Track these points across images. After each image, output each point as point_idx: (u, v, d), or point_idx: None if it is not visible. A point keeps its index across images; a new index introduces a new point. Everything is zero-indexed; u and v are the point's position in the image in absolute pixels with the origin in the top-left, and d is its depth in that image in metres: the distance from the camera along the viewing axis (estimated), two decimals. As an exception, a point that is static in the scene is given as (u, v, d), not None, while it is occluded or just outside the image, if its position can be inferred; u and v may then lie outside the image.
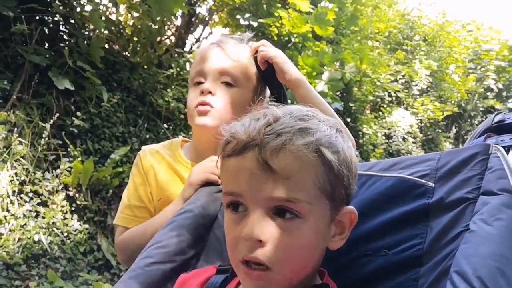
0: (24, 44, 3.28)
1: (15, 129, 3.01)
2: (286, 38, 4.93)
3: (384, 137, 7.38)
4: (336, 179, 0.56)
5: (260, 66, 1.04)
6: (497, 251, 0.52)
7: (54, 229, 2.97)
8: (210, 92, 1.00)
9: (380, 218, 0.66)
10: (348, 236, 0.60)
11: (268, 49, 1.04)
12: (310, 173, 0.54)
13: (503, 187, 0.58)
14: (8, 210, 2.82)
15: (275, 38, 4.79)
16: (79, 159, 3.25)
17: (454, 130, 9.34)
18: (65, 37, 3.55)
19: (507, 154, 0.67)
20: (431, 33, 9.54)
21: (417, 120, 8.28)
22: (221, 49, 1.04)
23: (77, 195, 3.22)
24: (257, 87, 1.07)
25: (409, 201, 0.65)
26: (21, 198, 2.93)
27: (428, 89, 8.81)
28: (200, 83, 1.03)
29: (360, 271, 0.64)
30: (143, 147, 1.11)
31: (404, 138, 7.72)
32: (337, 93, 5.59)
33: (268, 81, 1.06)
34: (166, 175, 1.05)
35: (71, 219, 3.11)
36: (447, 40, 9.49)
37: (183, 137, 1.20)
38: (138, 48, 4.24)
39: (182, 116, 4.13)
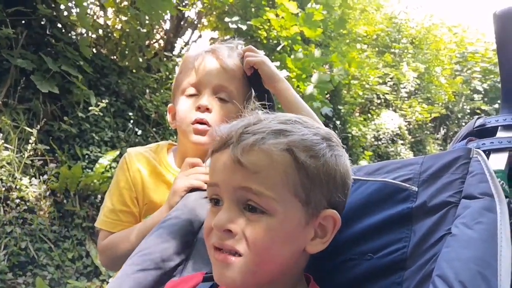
0: (9, 48, 3.24)
1: (1, 134, 2.97)
2: (275, 42, 4.95)
3: (373, 139, 7.45)
4: (311, 183, 0.57)
5: (246, 72, 1.04)
6: (478, 255, 0.52)
7: (41, 235, 2.93)
8: (207, 109, 0.99)
9: (365, 222, 0.66)
10: (330, 240, 0.60)
11: (254, 55, 1.04)
12: (279, 172, 0.56)
13: (483, 191, 0.59)
14: (-7, 217, 2.77)
15: (264, 41, 4.81)
16: (67, 164, 3.21)
17: (442, 131, 9.46)
18: (51, 41, 3.52)
19: (488, 157, 0.68)
20: (418, 36, 9.66)
21: (406, 122, 8.37)
22: (217, 61, 1.02)
23: (64, 201, 3.18)
24: (247, 99, 1.07)
25: (393, 205, 0.66)
26: (7, 205, 2.88)
27: (416, 91, 8.91)
28: (193, 95, 1.02)
29: (345, 275, 0.64)
30: (129, 149, 1.09)
31: (393, 140, 7.79)
32: (326, 96, 5.62)
33: (254, 87, 1.07)
34: (152, 180, 1.04)
35: (59, 225, 3.07)
36: (434, 43, 9.62)
37: (173, 141, 1.18)
38: (126, 52, 4.22)
39: (171, 120, 4.09)
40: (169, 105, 1.11)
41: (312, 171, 0.57)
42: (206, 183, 0.89)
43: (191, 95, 1.02)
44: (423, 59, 9.05)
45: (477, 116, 0.80)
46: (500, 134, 0.76)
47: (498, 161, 0.72)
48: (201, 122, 0.99)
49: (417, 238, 0.61)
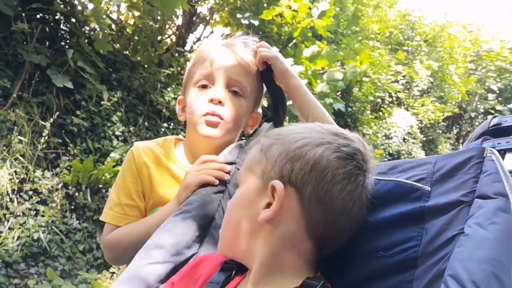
0: (24, 43, 3.28)
1: (15, 127, 3.02)
2: (287, 37, 4.92)
3: (384, 138, 7.38)
4: (266, 158, 0.67)
5: (259, 66, 1.04)
6: (492, 255, 0.52)
7: (53, 227, 2.98)
8: (219, 102, 0.99)
9: (376, 221, 0.66)
10: (276, 208, 0.62)
11: (268, 50, 1.04)
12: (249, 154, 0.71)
13: (498, 191, 0.59)
14: (7, 208, 2.82)
15: (276, 37, 4.79)
16: (79, 157, 3.25)
17: (454, 131, 9.33)
18: (65, 36, 3.55)
19: (503, 157, 0.67)
20: (432, 34, 9.53)
21: (417, 121, 8.28)
22: (233, 55, 1.02)
23: (76, 194, 3.22)
24: (258, 97, 1.07)
25: (406, 204, 0.65)
26: (20, 196, 2.93)
27: (429, 89, 8.80)
28: (205, 86, 1.01)
29: (355, 273, 0.64)
30: (136, 143, 1.09)
31: (404, 139, 7.71)
32: (338, 94, 5.58)
33: (266, 82, 1.06)
34: (159, 174, 1.04)
35: (71, 217, 3.11)
36: (448, 41, 9.48)
37: (183, 137, 1.17)
38: (138, 47, 4.24)
39: (182, 116, 4.11)
40: (179, 97, 1.11)
41: (267, 149, 0.67)
42: (218, 179, 0.89)
43: (203, 87, 1.01)
44: (437, 57, 8.93)
45: (492, 115, 0.78)
46: (516, 133, 0.75)
47: (513, 161, 0.71)
48: (213, 114, 0.98)
49: (428, 237, 0.61)
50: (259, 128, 1.07)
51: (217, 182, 0.89)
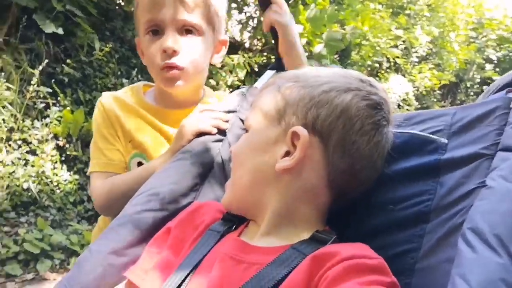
0: (10, -16, 3.10)
1: (2, 74, 2.90)
2: (287, -6, 4.73)
3: (379, 103, 7.34)
4: (285, 104, 0.61)
5: (264, 28, 0.96)
6: None
7: (43, 178, 2.94)
8: (174, 51, 0.90)
9: (387, 173, 0.62)
10: (298, 156, 0.57)
11: (278, 14, 0.94)
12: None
13: None
14: (-4, 157, 2.77)
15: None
16: (69, 108, 3.16)
17: (449, 99, 9.31)
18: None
19: (529, 110, 0.62)
20: (435, -2, 9.27)
21: (414, 88, 8.22)
22: None
23: (67, 146, 3.17)
24: (218, 23, 0.98)
25: (420, 157, 0.62)
26: (9, 145, 2.87)
27: (427, 56, 8.68)
28: (156, 33, 0.92)
29: (364, 226, 0.61)
30: (104, 93, 1.03)
31: (399, 105, 7.68)
32: (336, 56, 5.46)
33: (274, 38, 0.98)
34: (132, 121, 0.99)
35: (61, 169, 3.07)
36: (451, 6, 9.25)
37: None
38: (132, -4, 4.06)
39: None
40: (136, 38, 1.02)
41: (287, 94, 0.60)
42: (216, 128, 0.85)
43: (153, 34, 0.92)
44: (438, 24, 8.73)
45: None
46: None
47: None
48: (171, 66, 0.91)
49: (444, 191, 0.57)
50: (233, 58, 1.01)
51: (215, 131, 0.85)
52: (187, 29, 0.92)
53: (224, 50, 1.03)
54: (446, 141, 0.61)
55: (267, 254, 0.54)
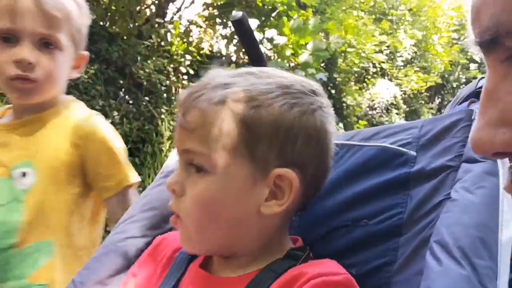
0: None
1: (-12, 102, 2.89)
2: (270, 7, 4.80)
3: (368, 109, 7.42)
4: (254, 137, 0.52)
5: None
6: (479, 220, 0.50)
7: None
8: (29, 63, 0.86)
9: (360, 187, 0.64)
10: (288, 201, 0.53)
11: None
12: (213, 127, 0.52)
13: None
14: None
15: (260, 4, 4.66)
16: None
17: (437, 101, 9.43)
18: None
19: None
20: (416, 2, 9.45)
21: (401, 91, 8.32)
22: (33, 2, 0.85)
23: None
24: (79, 38, 0.95)
25: (391, 171, 0.63)
26: None
27: (412, 59, 8.81)
28: (9, 41, 0.86)
29: (338, 242, 0.62)
30: None
31: (387, 110, 7.76)
32: (322, 64, 5.53)
33: (239, 35, 0.97)
34: None
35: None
36: (432, 9, 9.42)
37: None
38: (116, 18, 4.08)
39: (164, 88, 4.02)
40: None
41: (253, 123, 0.51)
42: None
43: (5, 41, 0.87)
44: (421, 27, 8.88)
45: (480, 77, 0.76)
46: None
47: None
48: (24, 78, 0.87)
49: (414, 203, 0.59)
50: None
51: None
52: (46, 42, 0.89)
53: (83, 65, 1.02)
54: (414, 153, 0.62)
55: (237, 284, 0.54)
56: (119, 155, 0.97)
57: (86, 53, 1.00)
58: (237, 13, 0.94)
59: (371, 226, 0.60)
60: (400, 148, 0.64)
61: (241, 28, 0.94)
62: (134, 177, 0.98)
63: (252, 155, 0.52)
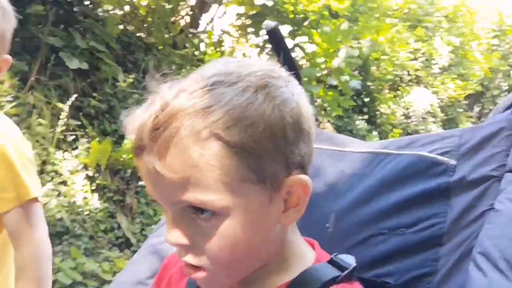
0: (39, 26, 3.30)
1: (34, 110, 3.06)
2: (302, 16, 4.81)
3: (402, 117, 7.25)
4: (256, 158, 0.45)
5: None
6: None
7: (75, 207, 3.04)
8: None
9: (397, 196, 0.63)
10: (305, 206, 0.50)
11: None
12: (211, 168, 0.44)
13: None
14: (30, 190, 2.89)
15: (291, 15, 4.69)
16: (97, 139, 3.29)
17: (476, 109, 9.09)
18: (79, 18, 3.55)
19: (536, 129, 0.63)
20: (452, 9, 9.18)
21: (438, 99, 8.08)
22: None
23: (96, 175, 3.28)
24: (2, 42, 0.93)
25: (429, 179, 0.62)
26: (42, 177, 3.00)
27: (449, 67, 8.55)
28: None
29: (373, 250, 0.62)
30: None
31: (423, 118, 7.55)
32: (355, 72, 5.46)
33: (273, 44, 0.97)
34: None
35: (92, 198, 3.18)
36: (469, 15, 9.13)
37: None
38: (152, 29, 4.22)
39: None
40: None
41: (252, 145, 0.45)
42: None
43: None
44: (457, 34, 8.62)
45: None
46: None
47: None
48: None
49: (455, 213, 0.58)
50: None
51: None
52: None
53: (5, 69, 0.98)
54: (455, 162, 0.62)
55: None
56: (17, 167, 0.91)
57: (9, 57, 0.96)
58: (270, 23, 0.94)
59: (408, 235, 0.60)
60: (438, 157, 0.63)
61: (274, 37, 0.96)
62: (36, 191, 0.93)
63: (261, 177, 0.46)
